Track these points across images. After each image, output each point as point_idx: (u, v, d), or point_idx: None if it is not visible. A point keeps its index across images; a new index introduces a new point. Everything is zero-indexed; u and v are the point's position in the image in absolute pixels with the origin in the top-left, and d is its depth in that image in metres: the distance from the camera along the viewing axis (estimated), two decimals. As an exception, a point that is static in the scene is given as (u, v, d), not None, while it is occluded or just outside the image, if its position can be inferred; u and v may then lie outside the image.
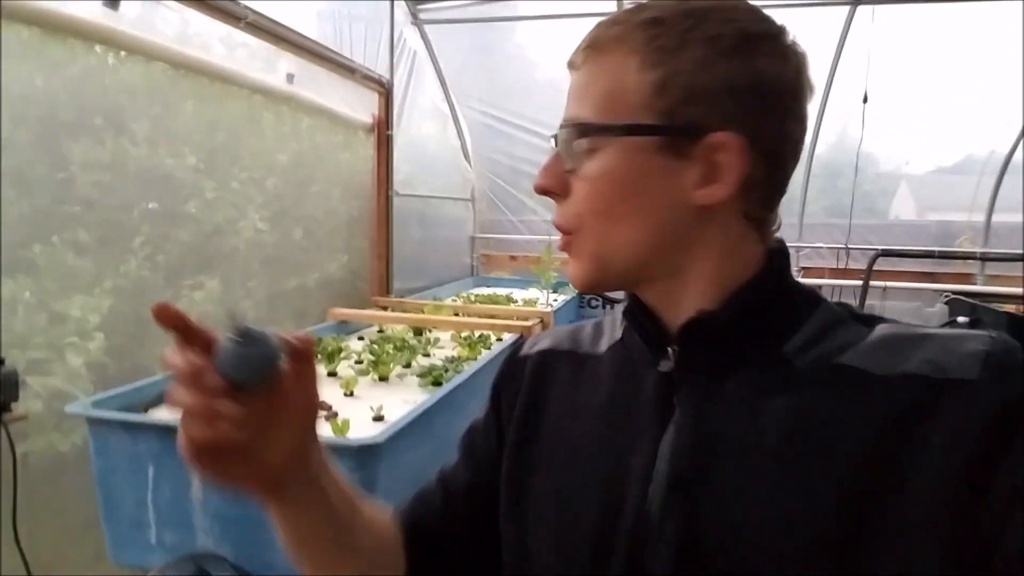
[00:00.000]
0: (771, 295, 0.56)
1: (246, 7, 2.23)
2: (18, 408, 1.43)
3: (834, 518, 0.47)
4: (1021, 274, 3.67)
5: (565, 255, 0.60)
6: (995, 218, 4.24)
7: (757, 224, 0.57)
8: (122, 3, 1.87)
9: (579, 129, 0.56)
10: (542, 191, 0.59)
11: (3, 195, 1.64)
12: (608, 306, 4.02)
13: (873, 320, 0.56)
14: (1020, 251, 3.72)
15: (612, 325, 0.69)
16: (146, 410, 1.62)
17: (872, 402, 0.49)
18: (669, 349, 0.57)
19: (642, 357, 0.60)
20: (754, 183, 0.54)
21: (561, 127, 0.57)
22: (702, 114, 0.52)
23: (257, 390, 0.48)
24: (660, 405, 0.56)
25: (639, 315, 0.60)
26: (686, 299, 0.56)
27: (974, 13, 3.58)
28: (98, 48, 1.87)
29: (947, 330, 0.53)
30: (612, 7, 3.60)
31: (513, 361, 0.72)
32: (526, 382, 0.68)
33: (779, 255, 0.58)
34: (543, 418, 0.65)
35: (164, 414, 1.61)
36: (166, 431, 1.39)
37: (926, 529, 0.45)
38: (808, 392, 0.51)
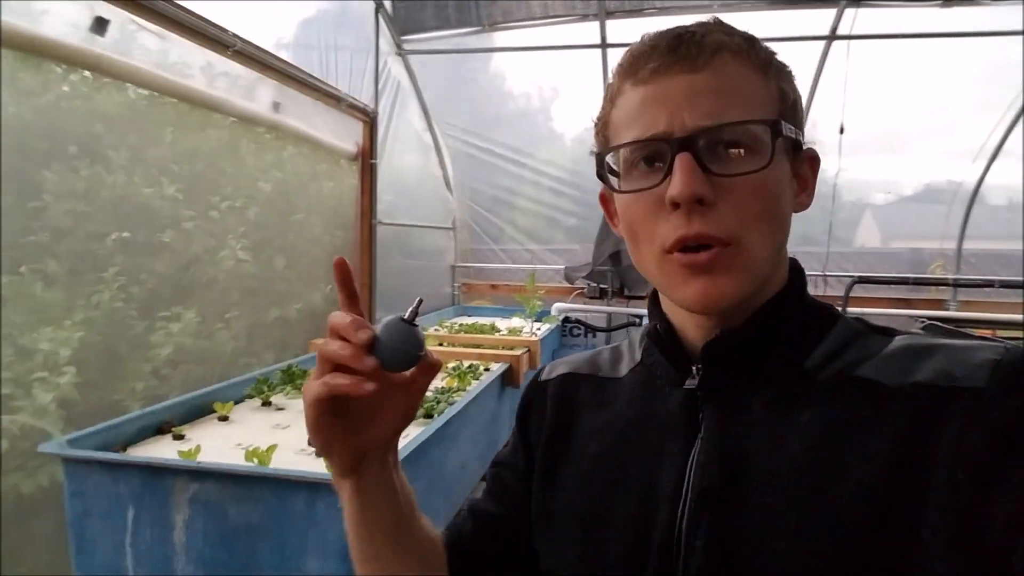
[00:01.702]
0: (792, 312, 0.58)
1: (234, 36, 2.20)
2: (-13, 448, 1.33)
3: (858, 528, 0.47)
4: (993, 300, 3.76)
5: (702, 271, 0.53)
6: (967, 245, 4.35)
7: None
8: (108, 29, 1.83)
9: (771, 127, 0.52)
10: (695, 199, 0.51)
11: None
12: (592, 334, 4.00)
13: (892, 331, 0.57)
14: (992, 277, 3.82)
15: (631, 348, 0.70)
16: (125, 448, 1.53)
17: (886, 413, 0.50)
18: (693, 368, 0.58)
19: (666, 376, 0.61)
20: None
21: (716, 127, 0.52)
22: (800, 128, 0.57)
23: (399, 369, 0.55)
24: (687, 422, 0.57)
25: (663, 335, 0.61)
26: (731, 314, 0.56)
27: (929, 48, 3.71)
28: (73, 76, 1.82)
29: (962, 341, 0.53)
30: (583, 39, 3.66)
31: (535, 387, 0.73)
32: (550, 407, 0.69)
33: (799, 272, 0.60)
34: (569, 441, 0.66)
35: (144, 452, 1.52)
36: (148, 470, 1.31)
37: (945, 541, 0.44)
38: (828, 406, 0.52)
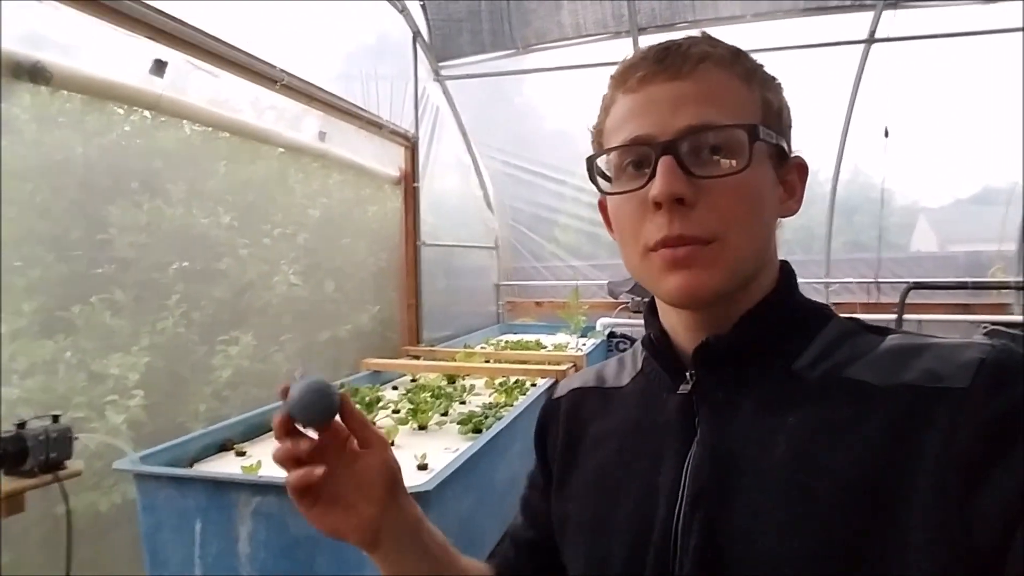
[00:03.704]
0: (781, 314, 0.59)
1: (282, 71, 2.31)
2: (71, 465, 1.42)
3: (844, 527, 0.48)
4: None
5: (677, 266, 0.55)
6: (1028, 246, 4.16)
7: None
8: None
9: (748, 131, 0.55)
10: (675, 198, 0.53)
11: (42, 259, 1.67)
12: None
13: (886, 331, 0.58)
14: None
15: (633, 358, 0.72)
16: (191, 465, 1.60)
17: (873, 414, 0.50)
18: (687, 373, 0.60)
19: (663, 382, 0.63)
20: None
21: (697, 131, 0.54)
22: (787, 136, 0.60)
23: (318, 421, 0.59)
24: (683, 426, 0.59)
25: (657, 343, 0.63)
26: (719, 319, 0.58)
27: (974, 47, 3.61)
28: (134, 116, 1.94)
29: (951, 339, 0.53)
30: (617, 56, 3.67)
31: (549, 405, 0.76)
32: (561, 423, 0.72)
33: (790, 275, 0.62)
34: (578, 452, 0.68)
35: (209, 468, 1.59)
36: (213, 485, 1.37)
37: (928, 538, 0.45)
38: (816, 407, 0.53)
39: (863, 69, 3.70)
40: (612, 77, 0.61)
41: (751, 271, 0.58)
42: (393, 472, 0.63)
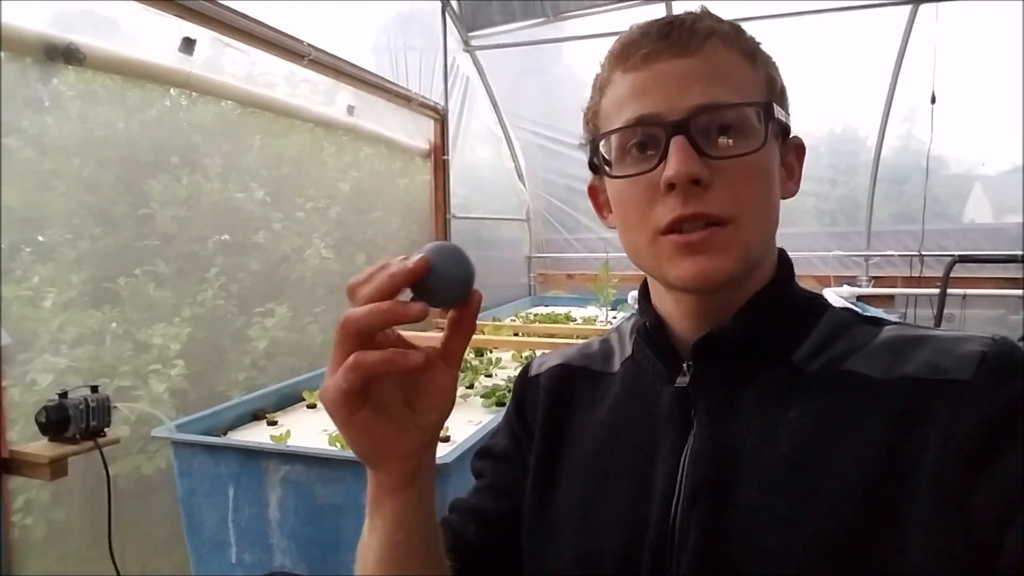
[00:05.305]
0: (781, 304, 0.58)
1: (309, 45, 2.34)
2: (110, 432, 1.51)
3: (846, 524, 0.47)
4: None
5: (697, 250, 0.52)
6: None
7: None
8: (196, 47, 1.99)
9: (762, 110, 0.53)
10: (691, 180, 0.51)
11: (89, 232, 1.75)
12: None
13: (882, 322, 0.57)
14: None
15: (620, 342, 0.69)
16: (225, 433, 1.68)
17: (875, 407, 0.50)
18: (685, 364, 0.58)
19: (657, 372, 0.61)
20: None
21: (709, 109, 0.52)
22: (787, 116, 0.58)
23: (449, 303, 0.48)
24: (679, 419, 0.57)
25: (652, 332, 0.60)
26: (721, 306, 0.57)
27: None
28: (173, 91, 1.99)
29: (950, 332, 0.53)
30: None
31: (526, 383, 0.71)
32: (542, 401, 0.68)
33: (787, 263, 0.60)
34: (565, 437, 0.65)
35: (241, 437, 1.67)
36: (246, 453, 1.44)
37: (929, 534, 0.45)
38: (817, 400, 0.52)
39: (910, 32, 3.53)
40: (609, 55, 0.58)
41: (761, 256, 0.56)
42: (454, 400, 0.52)
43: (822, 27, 3.58)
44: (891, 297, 4.01)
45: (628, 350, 0.67)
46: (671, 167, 0.51)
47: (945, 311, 3.54)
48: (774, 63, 0.59)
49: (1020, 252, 3.92)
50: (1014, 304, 3.78)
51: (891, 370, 0.51)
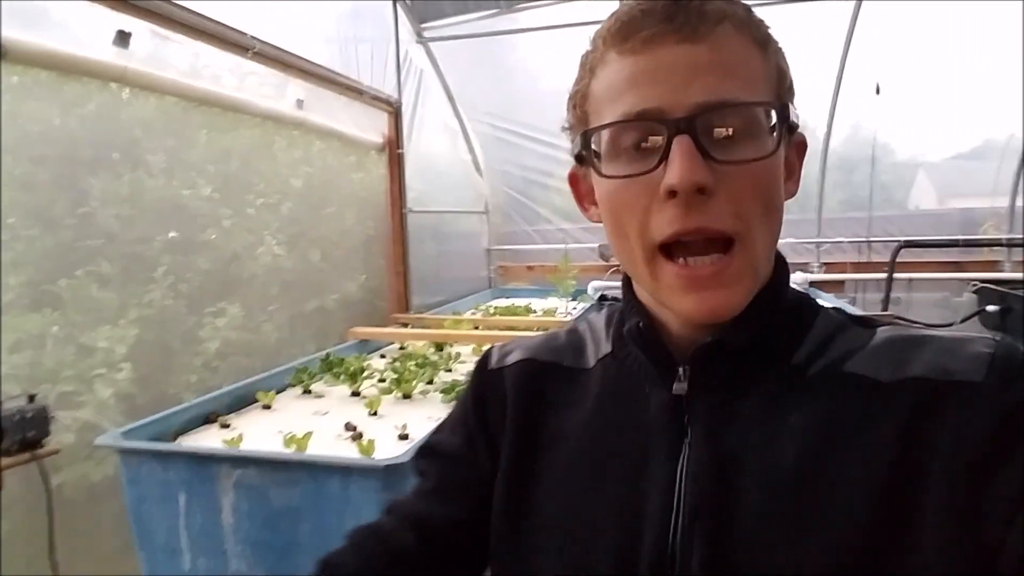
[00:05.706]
0: (780, 307, 0.55)
1: (253, 38, 2.27)
2: (50, 442, 1.45)
3: (859, 531, 0.46)
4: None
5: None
6: (1020, 202, 4.15)
7: None
8: (133, 40, 1.91)
9: (777, 112, 0.48)
10: (696, 188, 0.46)
11: (26, 233, 1.67)
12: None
13: (872, 322, 0.55)
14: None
15: (593, 335, 0.64)
16: (176, 438, 1.63)
17: (882, 410, 0.48)
18: (680, 369, 0.54)
19: (647, 374, 0.56)
20: None
21: (716, 108, 0.47)
22: (797, 115, 0.52)
23: None
24: (671, 427, 0.53)
25: (646, 333, 0.56)
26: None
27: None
28: (113, 85, 1.91)
29: (948, 332, 0.51)
30: (604, 14, 3.60)
31: (488, 376, 0.66)
32: (511, 399, 0.62)
33: (784, 265, 0.57)
34: (538, 440, 0.60)
35: (192, 442, 1.62)
36: (196, 459, 1.41)
37: (940, 533, 0.44)
38: (821, 405, 0.50)
39: (855, 24, 3.63)
40: (604, 32, 0.52)
41: (768, 270, 0.53)
42: None
43: (770, 19, 3.65)
44: (841, 282, 4.13)
45: (606, 346, 0.62)
46: (674, 173, 0.46)
47: (892, 295, 3.67)
48: (783, 52, 0.53)
49: (960, 236, 4.10)
50: (956, 287, 3.94)
51: (896, 372, 0.49)
